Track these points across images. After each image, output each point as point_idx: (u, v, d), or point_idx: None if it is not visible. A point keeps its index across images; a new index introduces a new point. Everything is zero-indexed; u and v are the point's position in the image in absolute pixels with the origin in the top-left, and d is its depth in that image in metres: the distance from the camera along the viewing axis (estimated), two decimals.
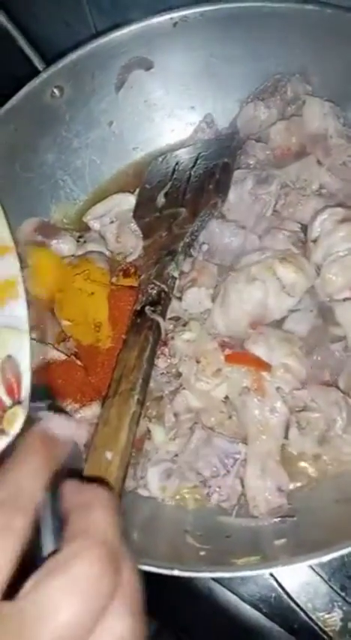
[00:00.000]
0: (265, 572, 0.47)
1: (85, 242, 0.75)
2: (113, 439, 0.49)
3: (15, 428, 0.48)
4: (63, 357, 0.64)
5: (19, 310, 0.53)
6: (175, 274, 0.60)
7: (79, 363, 0.64)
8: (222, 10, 0.71)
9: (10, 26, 0.64)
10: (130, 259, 0.72)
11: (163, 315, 0.57)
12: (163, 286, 0.58)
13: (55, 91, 0.71)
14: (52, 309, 0.71)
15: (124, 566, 0.30)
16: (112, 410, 0.51)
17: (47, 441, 0.34)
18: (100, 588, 0.28)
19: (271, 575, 0.63)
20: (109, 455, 0.48)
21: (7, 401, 0.49)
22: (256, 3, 0.70)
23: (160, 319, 0.56)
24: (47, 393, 0.58)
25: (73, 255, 0.73)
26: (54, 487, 0.33)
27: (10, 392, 0.50)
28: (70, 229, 0.77)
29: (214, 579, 0.65)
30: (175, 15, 0.71)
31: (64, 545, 0.29)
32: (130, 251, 0.72)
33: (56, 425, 0.36)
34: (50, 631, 0.26)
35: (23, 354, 0.52)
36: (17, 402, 0.49)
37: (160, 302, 0.58)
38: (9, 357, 0.51)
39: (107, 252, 0.74)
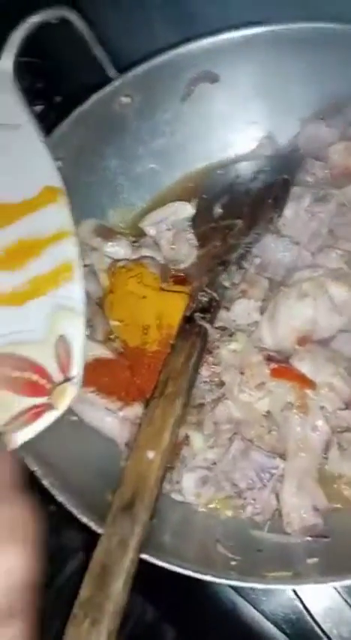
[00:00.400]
0: (297, 587, 0.47)
1: (139, 247, 0.77)
2: (156, 439, 0.50)
3: (64, 404, 0.50)
4: (111, 355, 0.66)
5: (75, 292, 0.55)
6: (227, 284, 0.61)
7: (125, 362, 0.66)
8: (290, 30, 0.72)
9: (86, 32, 0.66)
10: (182, 267, 0.74)
11: (211, 322, 0.59)
12: (214, 294, 0.59)
13: (125, 99, 0.74)
14: (102, 308, 0.73)
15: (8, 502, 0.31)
16: (157, 411, 0.52)
17: None
18: None
19: (297, 595, 0.63)
20: (150, 454, 0.49)
21: (59, 377, 0.51)
22: (323, 24, 0.71)
23: (208, 326, 0.58)
24: None
25: (127, 259, 0.75)
26: None
27: (62, 369, 0.52)
28: (126, 234, 0.79)
29: (239, 594, 0.65)
30: (246, 32, 0.73)
31: None
32: (182, 259, 0.74)
33: None
34: None
35: (77, 335, 0.53)
36: (67, 379, 0.51)
37: (210, 310, 0.59)
38: (62, 336, 0.53)
39: (160, 259, 0.76)
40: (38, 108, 0.98)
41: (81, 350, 0.53)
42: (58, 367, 0.52)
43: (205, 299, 0.59)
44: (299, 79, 0.76)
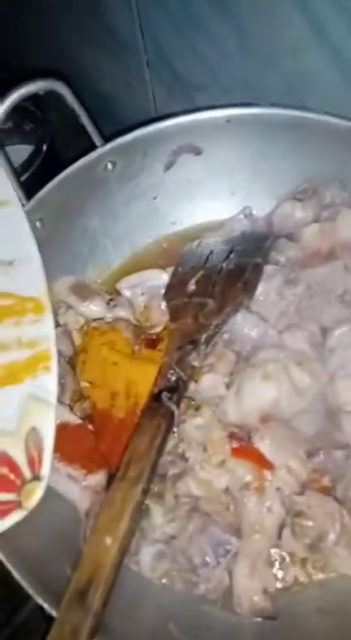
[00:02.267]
0: None
1: (114, 306, 0.78)
2: (115, 524, 0.51)
3: (31, 503, 0.50)
4: (76, 420, 0.67)
5: (50, 384, 0.56)
6: (196, 364, 0.63)
7: (90, 427, 0.67)
8: (273, 115, 0.75)
9: (76, 106, 0.68)
10: (154, 330, 0.76)
11: (178, 403, 0.60)
12: (181, 374, 0.61)
13: (109, 165, 0.76)
14: (73, 366, 0.75)
15: None
16: (118, 494, 0.53)
17: None
18: None
19: None
20: (108, 540, 0.50)
21: (28, 474, 0.52)
22: (305, 114, 0.74)
23: (174, 408, 0.59)
24: None
25: (102, 319, 0.77)
26: None
27: (31, 465, 0.52)
28: (102, 291, 0.81)
29: None
30: (230, 113, 0.76)
31: None
32: (154, 324, 0.76)
33: None
34: None
35: (49, 429, 0.54)
36: (36, 478, 0.51)
37: (177, 389, 0.61)
38: (33, 429, 0.53)
39: (133, 320, 0.78)
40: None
41: (52, 446, 0.53)
42: (27, 462, 0.52)
43: (173, 377, 0.61)
44: (279, 159, 0.80)
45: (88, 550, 0.50)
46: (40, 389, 0.55)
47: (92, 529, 0.52)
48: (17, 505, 0.50)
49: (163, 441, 0.57)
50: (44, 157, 0.97)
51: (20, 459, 0.52)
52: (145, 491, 0.54)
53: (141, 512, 0.53)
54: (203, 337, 0.64)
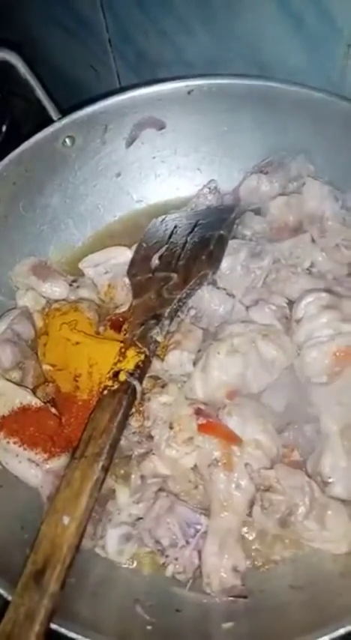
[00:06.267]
0: None
1: (78, 287, 0.76)
2: (73, 504, 0.49)
3: None
4: (39, 403, 0.64)
5: None
6: (159, 338, 0.61)
7: (54, 411, 0.65)
8: (236, 85, 0.74)
9: (29, 76, 0.65)
10: (119, 311, 0.73)
11: (141, 379, 0.58)
12: (144, 349, 0.59)
13: (67, 140, 0.74)
14: (35, 350, 0.72)
15: None
16: (77, 472, 0.51)
17: None
18: None
19: None
20: (66, 519, 0.47)
21: None
22: (270, 83, 0.73)
23: (136, 383, 0.57)
24: None
25: (64, 300, 0.74)
26: None
27: None
28: (65, 271, 0.78)
29: None
30: (191, 83, 0.74)
31: None
32: (119, 303, 0.73)
33: None
34: None
35: None
36: None
37: (140, 365, 0.58)
38: None
39: (97, 300, 0.75)
40: None
41: None
42: None
43: (135, 354, 0.59)
44: (244, 132, 0.78)
45: (45, 530, 0.48)
46: None
47: (49, 509, 0.50)
48: None
49: (124, 417, 0.55)
50: (4, 139, 0.94)
51: None
52: (105, 469, 0.51)
53: (100, 490, 0.51)
54: (166, 312, 0.61)
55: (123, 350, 0.60)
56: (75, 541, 0.47)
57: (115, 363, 0.59)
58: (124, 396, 0.56)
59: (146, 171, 0.82)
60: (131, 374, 0.57)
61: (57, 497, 0.50)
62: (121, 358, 0.59)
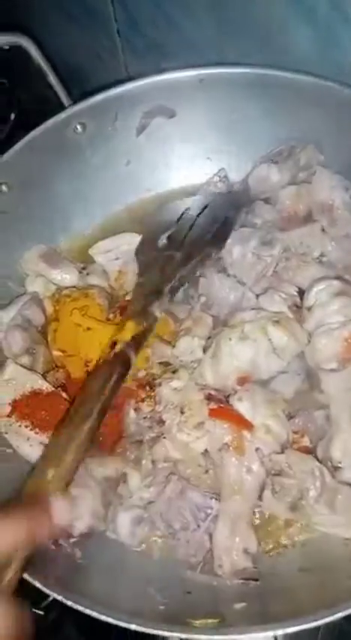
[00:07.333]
0: (222, 638, 0.47)
1: (88, 274, 0.76)
2: (57, 460, 0.51)
3: None
4: (50, 388, 0.65)
5: None
6: (157, 313, 0.62)
7: (65, 396, 0.65)
8: (246, 75, 0.74)
9: (41, 61, 0.65)
10: (130, 297, 0.74)
11: (137, 350, 0.59)
12: (143, 322, 0.60)
13: (78, 127, 0.74)
14: (46, 335, 0.72)
15: None
16: (64, 431, 0.53)
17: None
18: None
19: None
20: (50, 473, 0.50)
21: None
22: (280, 72, 0.73)
23: (131, 353, 0.58)
24: None
25: (74, 287, 0.74)
26: None
27: None
28: (75, 259, 0.78)
29: None
30: (203, 72, 0.74)
31: None
32: (130, 289, 0.74)
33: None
34: None
35: None
36: None
37: (136, 337, 0.59)
38: None
39: (108, 287, 0.76)
40: None
41: None
42: None
43: (133, 326, 0.60)
44: (255, 121, 0.78)
45: (29, 483, 0.50)
46: None
47: (35, 463, 0.52)
48: None
49: (116, 384, 0.57)
50: (13, 126, 0.94)
51: None
52: (93, 430, 0.53)
53: (87, 451, 0.53)
54: (167, 287, 0.62)
55: (121, 324, 0.61)
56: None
57: (114, 335, 0.60)
58: (118, 363, 0.57)
59: (156, 160, 0.82)
60: (127, 344, 0.58)
61: (44, 452, 0.53)
62: (119, 330, 0.60)
